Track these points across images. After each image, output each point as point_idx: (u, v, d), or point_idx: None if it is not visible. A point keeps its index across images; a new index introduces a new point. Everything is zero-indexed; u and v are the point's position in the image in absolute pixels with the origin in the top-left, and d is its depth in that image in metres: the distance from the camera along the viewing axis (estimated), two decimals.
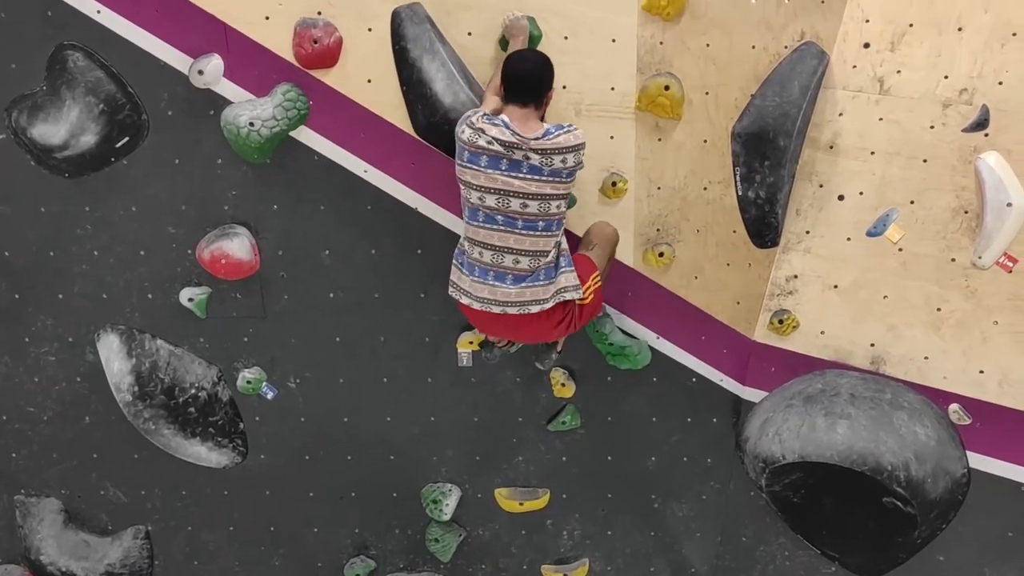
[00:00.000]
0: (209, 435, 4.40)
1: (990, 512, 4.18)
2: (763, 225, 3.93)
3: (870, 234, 3.94)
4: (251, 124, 3.76)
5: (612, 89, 3.85)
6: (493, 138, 3.35)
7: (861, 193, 3.90)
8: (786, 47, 3.76)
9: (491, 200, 3.42)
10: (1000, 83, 3.64)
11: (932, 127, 3.74)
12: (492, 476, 4.59)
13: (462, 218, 3.60)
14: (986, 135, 3.70)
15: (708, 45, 3.79)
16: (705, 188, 4.00)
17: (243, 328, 4.25)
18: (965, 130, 3.72)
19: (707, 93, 3.86)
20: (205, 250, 4.02)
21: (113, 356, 4.23)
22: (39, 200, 4.02)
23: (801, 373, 4.19)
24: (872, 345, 4.09)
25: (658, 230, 4.09)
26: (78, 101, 3.85)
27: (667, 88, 3.80)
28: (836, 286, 4.05)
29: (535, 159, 3.39)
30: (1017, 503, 4.17)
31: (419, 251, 4.10)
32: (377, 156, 3.95)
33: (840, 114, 3.81)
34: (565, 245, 3.65)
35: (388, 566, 4.78)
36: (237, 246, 4.01)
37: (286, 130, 3.83)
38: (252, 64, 3.78)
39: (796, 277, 4.08)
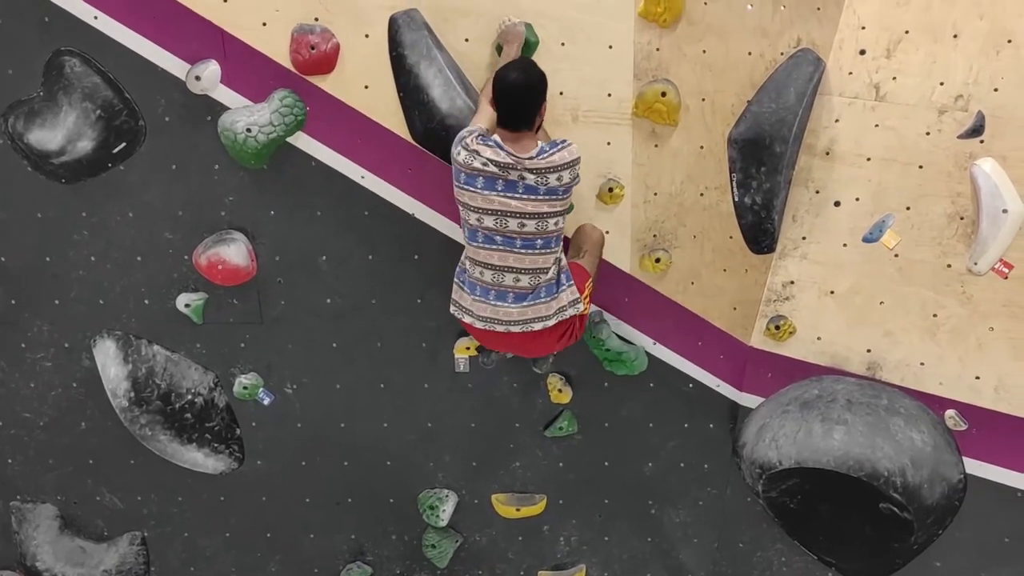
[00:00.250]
0: (205, 441, 4.39)
1: (987, 518, 4.18)
2: (759, 231, 3.94)
3: (866, 240, 3.95)
4: (248, 130, 3.76)
5: (609, 95, 3.86)
6: (488, 159, 3.35)
7: (857, 199, 3.90)
8: (782, 54, 3.77)
9: (489, 221, 3.43)
10: (996, 89, 3.65)
11: (928, 133, 3.75)
12: (489, 482, 4.58)
13: (463, 235, 3.61)
14: (982, 141, 3.71)
15: (704, 51, 3.80)
16: (702, 194, 4.01)
17: (240, 334, 4.25)
18: (961, 136, 3.73)
19: (704, 99, 3.87)
20: (202, 256, 4.02)
21: (109, 362, 4.23)
22: (36, 206, 4.02)
23: (798, 379, 4.20)
24: (868, 351, 4.10)
25: (655, 236, 4.09)
26: (75, 107, 3.85)
27: (664, 94, 3.81)
28: (832, 292, 4.06)
29: (530, 179, 3.38)
30: (1013, 509, 4.18)
31: (416, 257, 4.11)
32: (374, 162, 3.95)
33: (836, 120, 3.82)
34: (565, 261, 3.66)
35: (385, 572, 4.78)
36: (234, 252, 4.01)
37: (283, 136, 3.83)
38: (249, 70, 3.78)
39: (792, 283, 4.09)
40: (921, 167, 3.80)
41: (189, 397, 4.30)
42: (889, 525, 3.98)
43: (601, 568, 4.77)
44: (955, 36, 3.64)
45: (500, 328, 3.60)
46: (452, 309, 3.72)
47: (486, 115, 3.50)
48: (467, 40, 3.77)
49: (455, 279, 3.71)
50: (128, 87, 3.83)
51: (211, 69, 3.77)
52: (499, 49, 3.72)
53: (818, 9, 3.71)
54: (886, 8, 3.67)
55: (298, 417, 4.42)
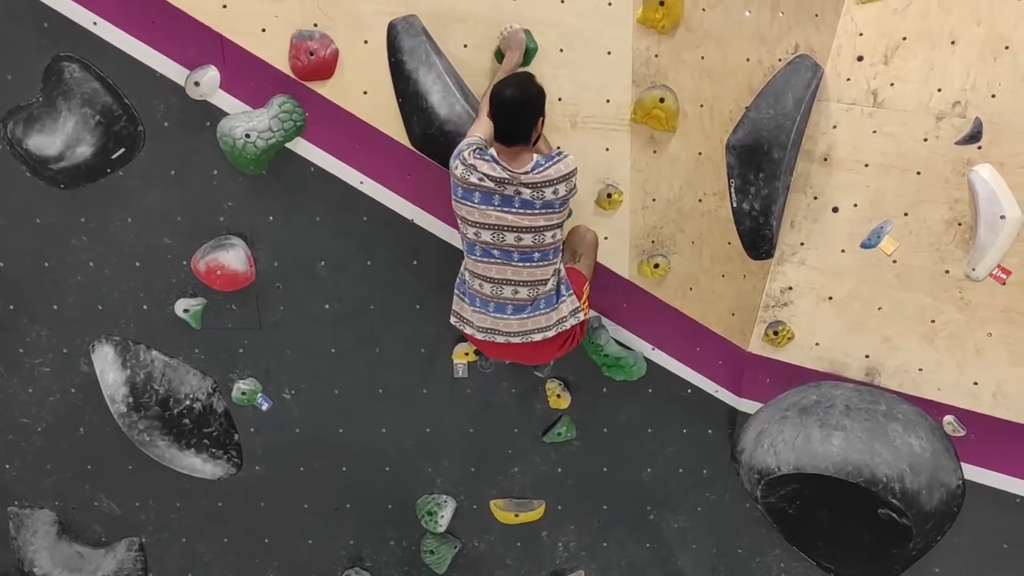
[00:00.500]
0: (204, 446, 4.39)
1: (985, 524, 4.18)
2: (758, 237, 3.95)
3: (864, 246, 3.96)
4: (247, 135, 3.76)
5: (608, 101, 3.86)
6: (484, 175, 3.35)
7: (855, 205, 3.91)
8: (780, 60, 3.78)
9: (486, 235, 3.44)
10: (993, 96, 3.66)
11: (926, 139, 3.76)
12: (487, 487, 4.58)
13: (462, 246, 3.61)
14: (979, 148, 3.71)
15: (703, 58, 3.81)
16: (700, 200, 4.02)
17: (238, 339, 4.25)
18: (958, 143, 3.74)
19: (702, 105, 3.87)
20: (201, 261, 4.02)
21: (108, 367, 4.23)
22: (34, 211, 4.02)
23: (796, 384, 4.20)
24: (867, 357, 4.10)
25: (653, 242, 4.10)
26: (74, 112, 3.85)
27: (662, 100, 3.82)
28: (831, 298, 4.06)
29: (527, 193, 3.38)
30: (1012, 515, 4.17)
31: (415, 262, 4.11)
32: (373, 167, 3.96)
33: (834, 126, 3.83)
34: (564, 272, 3.66)
35: None
36: (233, 257, 4.01)
37: (282, 141, 3.84)
38: (248, 76, 3.79)
39: (791, 289, 4.09)
40: (919, 173, 3.81)
41: (187, 402, 4.30)
42: (888, 531, 3.98)
43: (600, 574, 4.76)
44: (953, 43, 3.65)
45: (500, 339, 3.62)
46: (453, 320, 3.74)
47: (485, 125, 3.50)
48: (465, 46, 3.78)
49: (456, 290, 3.72)
50: (127, 92, 3.83)
51: (210, 75, 3.77)
52: (499, 56, 3.73)
53: (816, 15, 3.72)
54: (884, 15, 3.69)
55: (296, 422, 4.41)
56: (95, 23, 3.72)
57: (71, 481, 4.52)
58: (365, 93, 3.83)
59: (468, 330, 3.68)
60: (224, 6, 3.69)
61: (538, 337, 3.60)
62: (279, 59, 3.77)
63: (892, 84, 3.74)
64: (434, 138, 3.82)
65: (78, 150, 3.90)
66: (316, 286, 4.15)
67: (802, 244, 4.01)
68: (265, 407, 4.36)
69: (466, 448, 4.49)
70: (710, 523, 4.60)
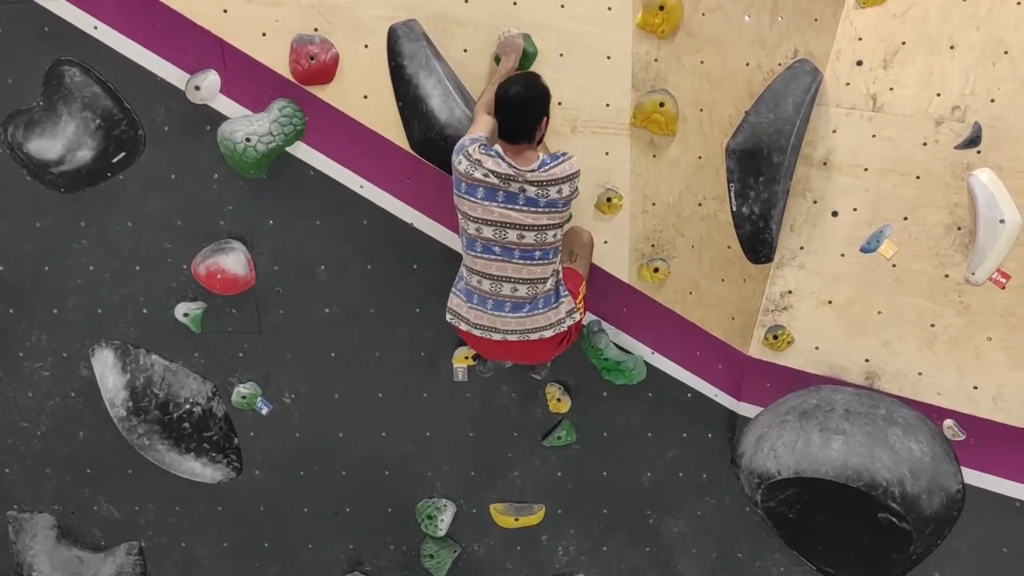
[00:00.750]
0: (203, 450, 4.39)
1: (985, 528, 4.18)
2: (757, 241, 3.95)
3: (864, 250, 3.96)
4: (247, 139, 3.77)
5: (607, 106, 3.87)
6: (489, 170, 3.36)
7: (855, 209, 3.91)
8: (780, 64, 3.79)
9: (488, 231, 3.44)
10: (992, 100, 3.66)
11: (925, 144, 3.77)
12: (487, 491, 4.58)
13: (461, 244, 3.61)
14: (979, 152, 3.72)
15: (702, 62, 3.81)
16: (700, 204, 4.02)
17: (238, 343, 4.25)
18: (958, 147, 3.74)
19: (701, 110, 3.88)
20: (201, 265, 4.02)
21: (108, 371, 4.23)
22: (34, 215, 4.02)
23: (796, 388, 4.20)
24: (866, 361, 4.10)
25: (653, 246, 4.10)
26: (74, 116, 3.85)
27: (662, 105, 3.82)
28: (830, 302, 4.06)
29: (531, 191, 3.39)
30: (1012, 519, 4.17)
31: (415, 266, 4.11)
32: (373, 172, 3.96)
33: (834, 131, 3.83)
34: (562, 273, 3.67)
35: None
36: (233, 261, 4.02)
37: (282, 146, 3.84)
38: (249, 80, 3.79)
39: (790, 293, 4.09)
40: (918, 177, 3.81)
41: (187, 406, 4.30)
42: (888, 535, 3.97)
43: None
44: (952, 47, 3.65)
45: (497, 336, 3.61)
46: (448, 317, 3.72)
47: (486, 123, 3.51)
48: (466, 50, 3.78)
49: (453, 288, 3.71)
50: (128, 97, 3.84)
51: (210, 79, 3.78)
52: (497, 60, 3.74)
53: (815, 20, 3.73)
54: (883, 19, 3.69)
55: (296, 427, 4.42)
56: (95, 27, 3.73)
57: (71, 485, 4.51)
58: (365, 97, 3.84)
59: (464, 327, 3.66)
60: (225, 11, 3.70)
61: (535, 336, 3.60)
62: (279, 63, 3.77)
63: (891, 89, 3.74)
64: (434, 142, 3.82)
65: (78, 154, 3.90)
66: (316, 290, 4.16)
67: (802, 248, 4.02)
68: (265, 411, 4.37)
69: (466, 452, 4.49)
70: (710, 527, 4.60)
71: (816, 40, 3.75)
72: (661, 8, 3.69)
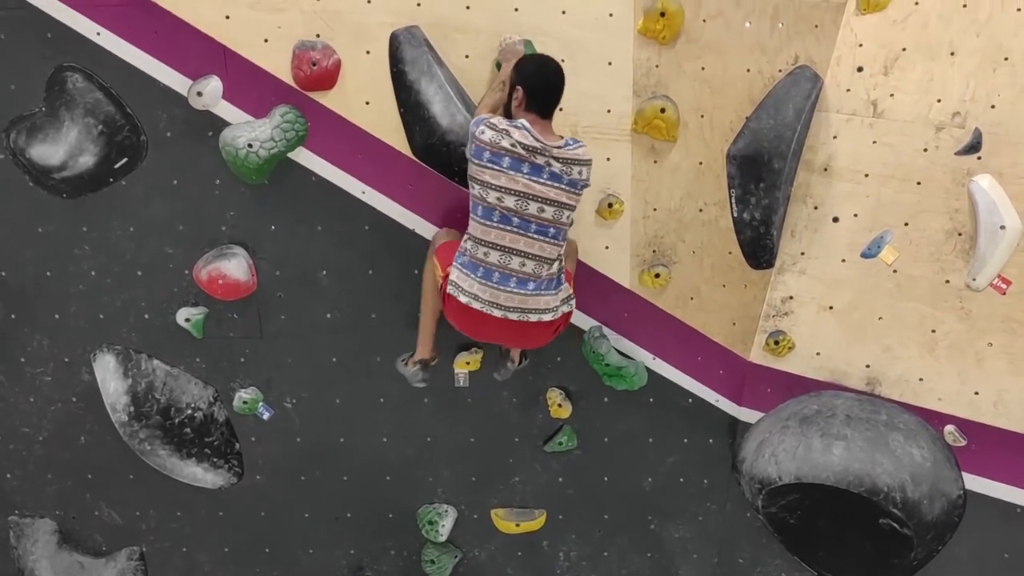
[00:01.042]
0: (205, 455, 4.39)
1: (986, 534, 4.18)
2: (758, 246, 3.95)
3: (865, 256, 3.96)
4: (249, 145, 3.77)
5: (608, 111, 3.88)
6: (517, 141, 3.40)
7: (856, 215, 3.92)
8: (780, 71, 3.80)
9: (510, 201, 3.45)
10: (992, 106, 3.67)
11: (925, 150, 3.77)
12: (488, 497, 4.57)
13: (469, 218, 3.56)
14: (979, 158, 3.73)
15: (703, 68, 3.82)
16: (701, 210, 4.02)
17: (240, 348, 4.25)
18: (958, 153, 3.75)
19: (702, 116, 3.89)
20: (202, 270, 4.03)
21: (109, 376, 4.23)
22: (37, 220, 4.02)
23: (797, 394, 4.20)
24: (867, 366, 4.10)
25: (654, 251, 4.10)
26: (77, 122, 3.86)
27: (663, 110, 3.83)
28: (831, 307, 4.07)
29: (556, 167, 3.45)
30: (1013, 524, 4.17)
31: (416, 272, 4.10)
32: (375, 177, 3.97)
33: (834, 137, 3.84)
34: (564, 262, 3.68)
35: None
36: (234, 266, 4.02)
37: (284, 151, 3.85)
38: (251, 86, 3.80)
39: (791, 298, 4.10)
40: (919, 183, 3.82)
41: (189, 412, 4.30)
42: (889, 541, 3.97)
43: None
44: (952, 54, 3.66)
45: (498, 312, 3.56)
46: (449, 288, 3.60)
47: (493, 104, 3.59)
48: (467, 57, 3.79)
49: (455, 262, 3.62)
50: (130, 103, 3.84)
51: (213, 85, 3.79)
52: (499, 66, 3.75)
53: (816, 27, 3.74)
54: (883, 26, 3.70)
55: (297, 432, 4.42)
56: (98, 33, 3.74)
57: (72, 490, 4.51)
58: (367, 103, 3.84)
59: (464, 299, 3.57)
60: (227, 17, 3.71)
61: (534, 318, 3.59)
62: (281, 69, 3.78)
63: (892, 95, 3.75)
64: (436, 148, 3.83)
65: (81, 160, 3.91)
66: (317, 295, 4.16)
67: (803, 254, 4.02)
68: (266, 416, 4.37)
69: (467, 457, 4.49)
70: (711, 533, 4.59)
71: (817, 46, 3.76)
72: (662, 14, 3.70)
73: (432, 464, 4.50)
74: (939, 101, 3.72)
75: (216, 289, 4.04)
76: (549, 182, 3.45)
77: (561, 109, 3.80)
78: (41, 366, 4.27)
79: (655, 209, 4.04)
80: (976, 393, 4.02)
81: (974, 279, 3.86)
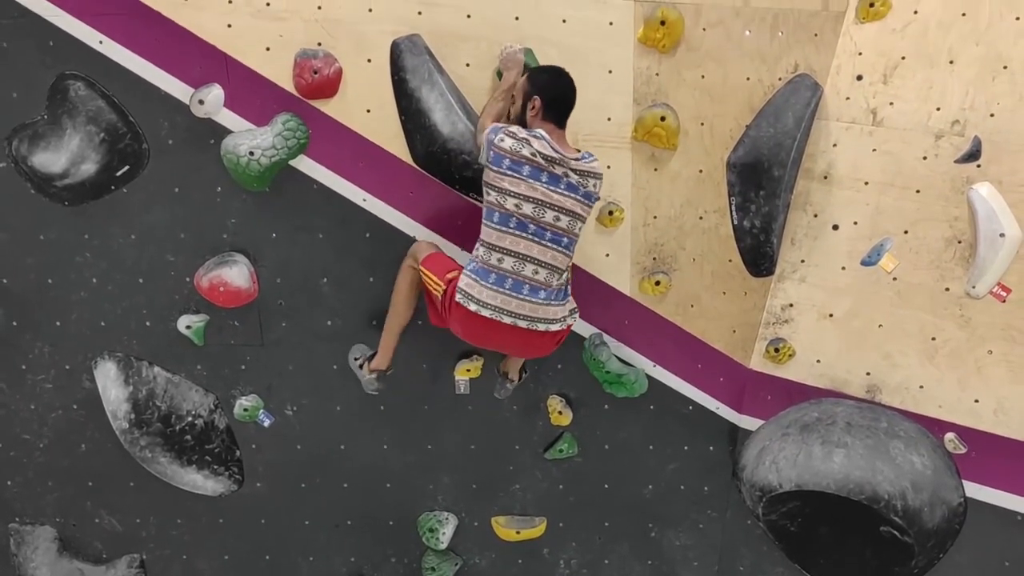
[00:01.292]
0: (205, 463, 4.39)
1: (987, 541, 4.17)
2: (758, 254, 3.96)
3: (865, 263, 3.97)
4: (251, 153, 3.78)
5: (608, 119, 3.89)
6: (536, 151, 3.43)
7: (855, 223, 3.93)
8: (780, 79, 3.81)
9: (528, 208, 3.47)
10: (992, 115, 3.68)
11: (925, 158, 3.78)
12: (489, 504, 4.57)
13: (482, 224, 3.55)
14: (978, 166, 3.74)
15: (703, 77, 3.83)
16: (701, 217, 4.03)
17: (241, 356, 4.25)
18: (958, 161, 3.76)
19: (702, 124, 3.90)
20: (204, 278, 4.03)
21: (110, 383, 4.23)
22: (38, 228, 4.03)
23: (797, 401, 4.20)
24: (868, 374, 4.11)
25: (654, 259, 4.11)
26: (79, 130, 3.87)
27: (663, 119, 3.84)
28: (831, 315, 4.07)
29: (573, 178, 3.49)
30: (1014, 532, 4.17)
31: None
32: (376, 185, 3.98)
33: (834, 145, 3.85)
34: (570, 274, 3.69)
35: None
36: (236, 274, 4.03)
37: (286, 159, 3.86)
38: (252, 94, 3.81)
39: (791, 306, 4.10)
40: (918, 191, 3.83)
41: (189, 419, 4.30)
42: (890, 549, 3.97)
43: None
44: (951, 62, 3.68)
45: (507, 320, 3.54)
46: (458, 296, 3.59)
47: (497, 114, 3.63)
48: (468, 65, 3.80)
49: (465, 268, 3.61)
50: (132, 111, 3.85)
51: (214, 93, 3.80)
52: (500, 74, 3.76)
53: (815, 35, 3.75)
54: (883, 34, 3.72)
55: (298, 439, 4.41)
56: (101, 42, 3.75)
57: (72, 497, 4.51)
58: (368, 111, 3.86)
59: (473, 307, 3.55)
60: (229, 25, 3.72)
61: (542, 327, 3.59)
62: (283, 78, 3.79)
63: (891, 103, 3.76)
64: (437, 156, 3.84)
65: (83, 167, 3.92)
66: (318, 303, 4.16)
67: (803, 261, 4.03)
68: (267, 423, 4.37)
69: (467, 465, 4.49)
70: (712, 540, 4.59)
71: (816, 55, 3.77)
72: (662, 23, 3.72)
73: (432, 471, 4.50)
74: (938, 109, 3.73)
75: (217, 296, 4.04)
76: (567, 192, 3.49)
77: None
78: (42, 373, 4.28)
79: (655, 217, 4.05)
80: (976, 401, 4.02)
81: (974, 287, 3.87)
